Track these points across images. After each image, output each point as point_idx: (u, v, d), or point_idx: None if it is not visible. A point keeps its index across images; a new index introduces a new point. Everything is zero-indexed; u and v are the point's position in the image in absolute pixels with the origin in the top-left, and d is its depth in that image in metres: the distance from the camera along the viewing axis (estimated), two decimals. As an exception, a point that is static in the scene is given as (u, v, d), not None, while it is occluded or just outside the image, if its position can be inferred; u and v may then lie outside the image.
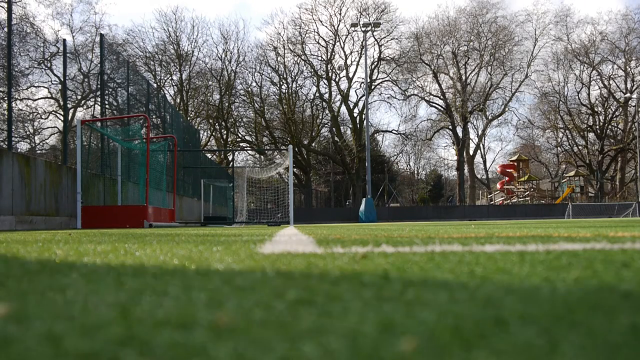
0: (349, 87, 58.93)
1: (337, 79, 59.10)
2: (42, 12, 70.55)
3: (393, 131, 63.19)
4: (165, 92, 53.39)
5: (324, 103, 58.34)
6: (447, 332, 0.75)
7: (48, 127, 35.43)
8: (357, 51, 58.40)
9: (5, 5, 14.02)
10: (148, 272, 1.71)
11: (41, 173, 14.59)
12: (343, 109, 59.38)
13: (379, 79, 59.57)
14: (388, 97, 60.61)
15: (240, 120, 59.12)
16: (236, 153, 59.95)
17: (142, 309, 1.00)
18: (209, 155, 47.92)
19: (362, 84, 57.43)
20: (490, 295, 1.08)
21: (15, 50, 21.06)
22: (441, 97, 61.94)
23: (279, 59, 57.27)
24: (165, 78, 55.15)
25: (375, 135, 62.93)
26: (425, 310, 0.92)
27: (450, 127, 62.29)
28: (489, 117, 63.06)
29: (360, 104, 58.30)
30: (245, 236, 5.82)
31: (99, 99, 19.99)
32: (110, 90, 21.30)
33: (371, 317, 0.87)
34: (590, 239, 2.95)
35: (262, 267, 1.70)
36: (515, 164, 59.11)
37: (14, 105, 15.84)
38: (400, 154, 71.07)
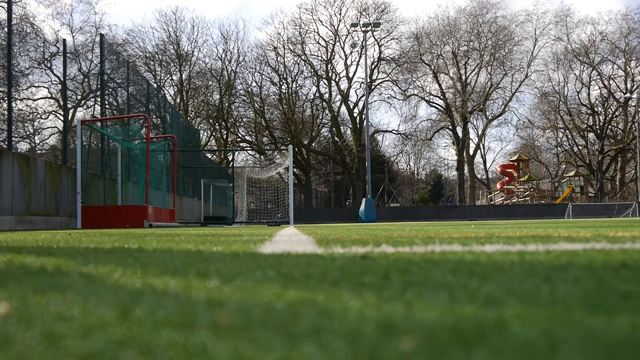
0: (349, 87, 58.94)
1: (337, 79, 59.14)
2: (42, 12, 70.51)
3: (393, 131, 63.23)
4: (165, 92, 53.40)
5: (324, 103, 58.34)
6: (447, 332, 0.75)
7: (48, 127, 35.42)
8: (357, 51, 58.42)
9: (5, 5, 14.02)
10: (148, 272, 1.71)
11: (41, 173, 14.59)
12: (343, 109, 59.43)
13: (379, 79, 59.60)
14: (388, 97, 60.64)
15: (240, 120, 59.13)
16: (236, 153, 59.95)
17: (142, 309, 1.00)
18: (209, 155, 47.93)
19: (362, 84, 57.44)
20: (490, 295, 1.08)
21: (15, 50, 21.06)
22: (441, 97, 61.94)
23: (279, 59, 57.33)
24: (165, 78, 55.18)
25: (375, 135, 62.93)
26: (425, 310, 0.92)
27: (450, 127, 62.28)
28: (489, 117, 63.05)
29: (360, 104, 58.32)
30: (245, 236, 5.82)
31: (99, 99, 19.98)
32: (110, 90, 21.30)
33: (371, 317, 0.87)
34: (590, 239, 2.94)
35: (262, 267, 1.70)
36: (515, 164, 59.08)
37: (14, 105, 15.83)
38: (400, 154, 71.16)
